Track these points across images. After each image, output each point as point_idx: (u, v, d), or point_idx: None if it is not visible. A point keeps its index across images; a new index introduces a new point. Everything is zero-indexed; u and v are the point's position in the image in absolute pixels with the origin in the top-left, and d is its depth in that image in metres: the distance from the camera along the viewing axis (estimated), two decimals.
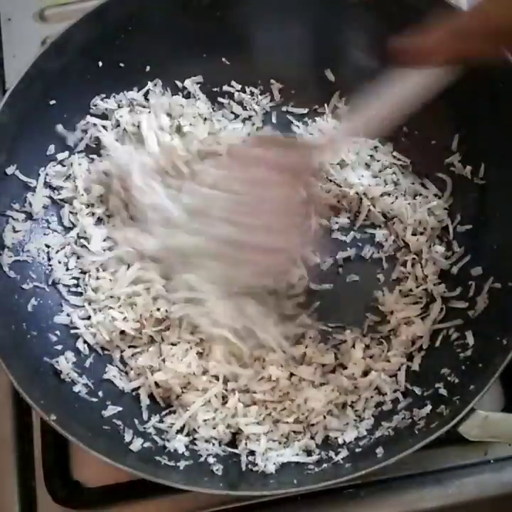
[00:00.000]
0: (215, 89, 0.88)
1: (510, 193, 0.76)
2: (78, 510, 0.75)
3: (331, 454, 0.70)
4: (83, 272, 0.80)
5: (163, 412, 0.74)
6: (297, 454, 0.70)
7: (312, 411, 0.73)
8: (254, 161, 0.72)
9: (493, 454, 0.76)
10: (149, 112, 0.84)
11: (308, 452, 0.71)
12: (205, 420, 0.72)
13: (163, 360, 0.74)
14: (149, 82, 0.85)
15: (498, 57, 0.64)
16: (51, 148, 0.80)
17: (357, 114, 0.70)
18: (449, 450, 0.75)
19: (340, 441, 0.71)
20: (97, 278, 0.79)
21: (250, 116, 0.88)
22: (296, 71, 0.87)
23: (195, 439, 0.72)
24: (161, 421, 0.73)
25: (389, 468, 0.64)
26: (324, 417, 0.73)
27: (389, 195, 0.83)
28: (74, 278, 0.79)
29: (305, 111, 0.88)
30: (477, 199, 0.80)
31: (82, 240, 0.80)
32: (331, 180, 0.83)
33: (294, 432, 0.73)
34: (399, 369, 0.76)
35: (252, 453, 0.71)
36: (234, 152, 0.77)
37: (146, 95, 0.85)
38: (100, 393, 0.74)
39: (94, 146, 0.83)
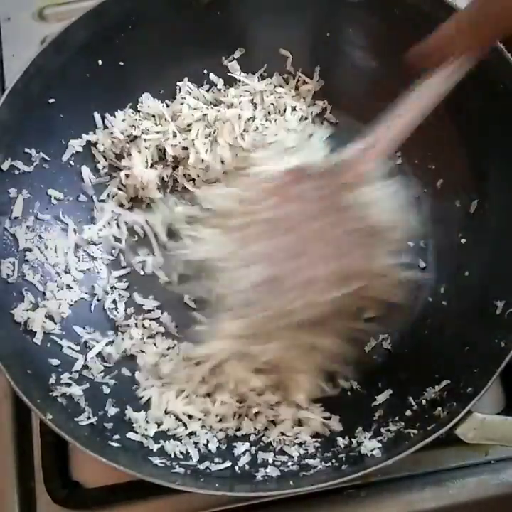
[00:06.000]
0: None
1: (509, 194, 0.75)
2: (77, 511, 0.75)
3: (328, 455, 0.70)
4: None
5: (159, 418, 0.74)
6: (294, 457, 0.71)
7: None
8: (290, 197, 0.70)
9: (494, 454, 0.75)
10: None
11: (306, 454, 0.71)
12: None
13: None
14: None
15: None
16: None
17: (386, 127, 0.68)
18: (449, 450, 0.75)
19: (338, 442, 0.71)
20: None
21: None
22: (296, 68, 0.87)
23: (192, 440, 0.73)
24: (159, 424, 0.73)
25: (390, 469, 0.64)
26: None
27: None
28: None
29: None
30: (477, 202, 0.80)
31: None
32: None
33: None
34: None
35: (249, 453, 0.71)
36: (268, 189, 0.73)
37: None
38: (99, 395, 0.74)
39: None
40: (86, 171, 0.84)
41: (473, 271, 0.77)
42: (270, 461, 0.70)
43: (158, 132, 0.84)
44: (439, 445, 0.70)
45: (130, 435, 0.71)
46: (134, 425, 0.72)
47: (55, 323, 0.75)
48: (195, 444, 0.72)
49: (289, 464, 0.70)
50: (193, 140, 0.83)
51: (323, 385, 0.75)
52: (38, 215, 0.79)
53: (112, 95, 0.84)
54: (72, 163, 0.83)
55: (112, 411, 0.73)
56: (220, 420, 0.74)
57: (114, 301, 0.81)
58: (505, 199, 0.76)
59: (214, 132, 0.83)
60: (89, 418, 0.69)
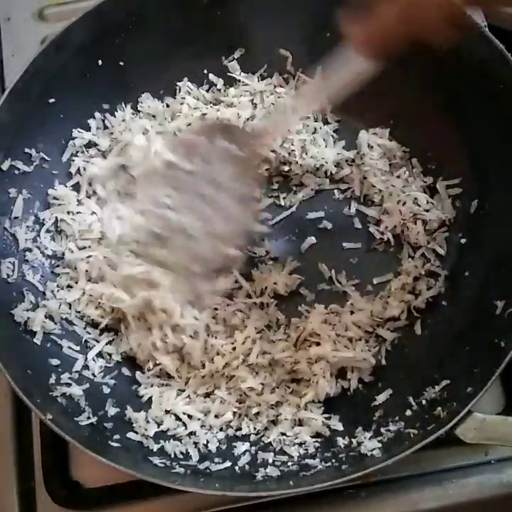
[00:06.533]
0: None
1: (509, 194, 0.75)
2: (77, 511, 0.75)
3: (328, 455, 0.70)
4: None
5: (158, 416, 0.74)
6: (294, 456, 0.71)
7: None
8: (199, 150, 0.74)
9: (494, 454, 0.75)
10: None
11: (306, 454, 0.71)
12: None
13: None
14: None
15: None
16: None
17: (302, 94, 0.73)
18: (449, 451, 0.75)
19: (338, 442, 0.71)
20: None
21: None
22: (296, 68, 0.87)
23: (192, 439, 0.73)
24: (159, 424, 0.73)
25: (390, 469, 0.64)
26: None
27: None
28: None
29: None
30: (477, 202, 0.80)
31: None
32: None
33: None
34: None
35: (249, 453, 0.71)
36: (181, 141, 0.78)
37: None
38: (99, 395, 0.74)
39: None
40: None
41: (473, 271, 0.77)
42: (270, 461, 0.70)
43: (158, 132, 0.84)
44: (439, 445, 0.70)
45: (130, 435, 0.71)
46: (134, 425, 0.72)
47: (55, 323, 0.76)
48: (195, 444, 0.72)
49: (289, 463, 0.70)
50: None
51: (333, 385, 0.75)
52: (38, 215, 0.79)
53: (112, 95, 0.84)
54: (72, 163, 0.83)
55: (112, 411, 0.73)
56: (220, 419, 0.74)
57: None
58: (505, 199, 0.76)
59: None
60: (89, 418, 0.69)
